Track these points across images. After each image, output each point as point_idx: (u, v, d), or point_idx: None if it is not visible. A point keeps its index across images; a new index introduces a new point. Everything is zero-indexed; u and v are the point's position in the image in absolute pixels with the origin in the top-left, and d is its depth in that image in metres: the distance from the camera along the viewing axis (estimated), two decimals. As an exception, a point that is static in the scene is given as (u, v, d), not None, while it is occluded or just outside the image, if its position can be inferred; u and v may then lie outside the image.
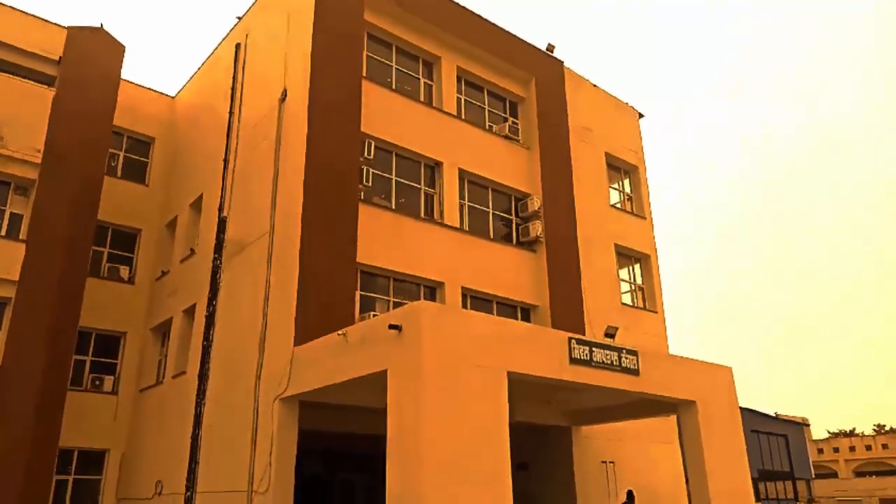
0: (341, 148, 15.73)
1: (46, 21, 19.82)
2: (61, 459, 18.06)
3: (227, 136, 18.86)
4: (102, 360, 20.33)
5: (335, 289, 14.57)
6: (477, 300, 17.86)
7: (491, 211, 19.39)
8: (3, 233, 17.90)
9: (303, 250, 14.46)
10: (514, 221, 19.81)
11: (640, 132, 24.94)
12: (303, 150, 15.30)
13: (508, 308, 18.59)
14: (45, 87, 19.19)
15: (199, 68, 23.00)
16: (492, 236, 19.02)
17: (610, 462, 18.76)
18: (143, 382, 20.16)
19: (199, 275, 18.29)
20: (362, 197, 16.00)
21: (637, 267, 23.00)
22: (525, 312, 18.99)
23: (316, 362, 13.19)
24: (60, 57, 19.59)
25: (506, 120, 20.73)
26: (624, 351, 14.45)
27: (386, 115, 17.23)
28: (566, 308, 19.00)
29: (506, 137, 20.18)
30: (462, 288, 17.39)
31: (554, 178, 20.35)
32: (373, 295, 16.02)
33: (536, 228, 19.28)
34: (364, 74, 17.16)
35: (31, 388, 16.64)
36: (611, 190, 23.08)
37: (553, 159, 20.61)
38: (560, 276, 19.28)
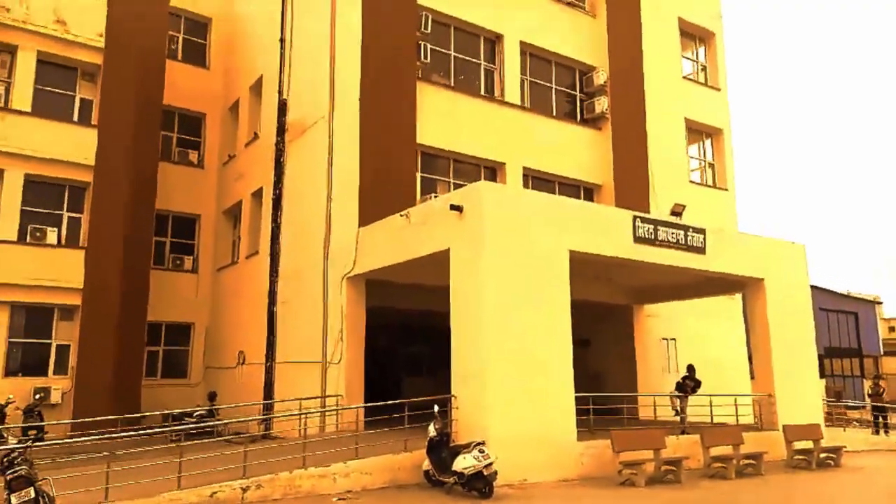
0: (397, 22, 15.17)
1: None
2: (152, 332, 19.61)
3: (282, 14, 18.40)
4: (181, 241, 21.41)
5: (396, 170, 14.59)
6: (538, 180, 17.60)
7: (554, 86, 18.62)
8: (76, 118, 18.48)
9: (362, 131, 14.41)
10: (577, 97, 19.02)
11: (718, -6, 22.96)
12: (359, 25, 14.86)
13: (571, 188, 18.28)
14: (100, -32, 18.97)
15: (249, -58, 22.13)
16: (554, 113, 18.39)
17: (671, 339, 18.95)
18: (219, 262, 21.23)
19: (263, 158, 18.58)
20: (420, 75, 15.57)
21: (708, 142, 21.99)
22: (588, 192, 18.66)
23: (380, 242, 13.50)
24: (112, -64, 19.18)
25: (571, -15, 19.36)
26: (690, 229, 14.15)
27: (443, -15, 16.35)
28: (631, 187, 18.54)
29: (569, 4, 18.95)
30: (523, 168, 17.12)
31: (621, 48, 19.19)
32: (433, 176, 15.98)
33: (602, 104, 18.48)
34: (419, -59, 16.16)
35: (115, 266, 17.78)
36: (683, 60, 21.67)
37: (621, 28, 19.34)
38: (625, 154, 18.66)
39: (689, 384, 14.78)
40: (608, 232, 12.95)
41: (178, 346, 20.79)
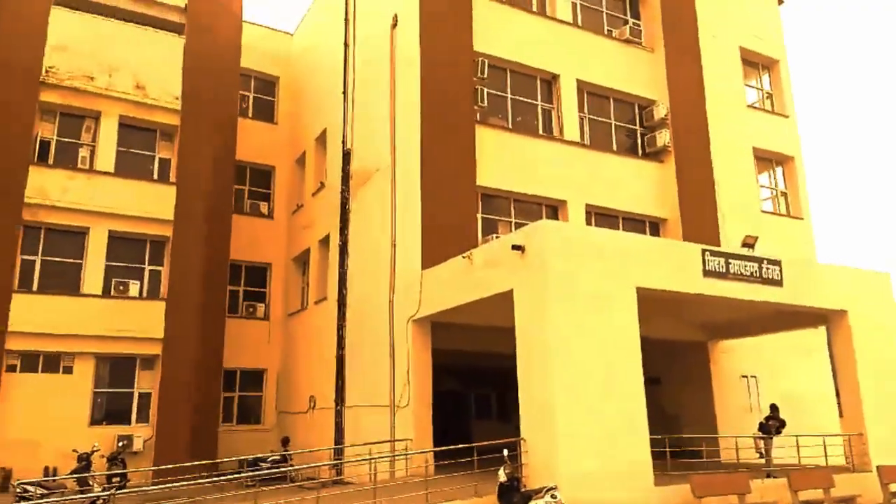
0: (454, 70, 15.53)
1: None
2: (227, 379, 20.20)
3: (344, 68, 19.17)
4: (253, 289, 22.16)
5: (457, 212, 14.75)
6: (602, 216, 17.40)
7: (613, 122, 18.52)
8: (156, 177, 19.60)
9: (423, 176, 14.67)
10: (638, 132, 18.85)
11: (780, 20, 22.50)
12: (417, 75, 15.28)
13: (635, 223, 17.97)
14: (175, 34, 20.32)
15: (312, 3, 23.31)
16: (615, 149, 18.25)
17: (752, 376, 18.11)
18: (290, 308, 21.80)
19: (329, 206, 19.16)
20: (478, 118, 15.83)
21: (779, 171, 21.29)
22: (654, 227, 18.30)
23: (443, 284, 13.59)
24: (186, 4, 20.55)
25: (626, 22, 19.40)
26: (765, 261, 13.65)
27: (498, 31, 16.69)
28: (699, 219, 18.07)
29: (626, 41, 18.95)
30: (586, 205, 16.98)
31: (682, 80, 18.98)
32: (494, 217, 16.06)
33: (663, 137, 18.24)
34: (473, -10, 16.62)
35: (193, 316, 18.54)
36: (747, 88, 21.23)
37: (680, 60, 19.17)
38: (691, 186, 18.27)
39: (772, 424, 14.03)
40: (676, 267, 12.63)
41: (252, 392, 21.31)
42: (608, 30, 19.08)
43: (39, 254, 17.83)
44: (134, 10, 20.18)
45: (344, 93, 18.91)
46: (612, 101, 18.56)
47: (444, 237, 14.26)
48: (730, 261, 13.18)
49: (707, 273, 12.82)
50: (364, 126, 17.83)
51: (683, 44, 19.43)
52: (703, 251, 13.01)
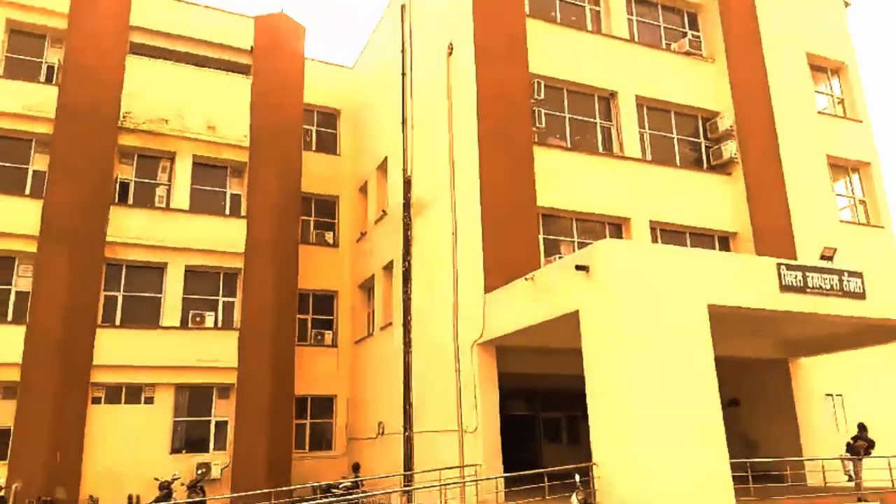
0: (511, 93, 15.61)
1: (235, 14, 21.81)
2: (299, 406, 20.62)
3: (402, 97, 19.57)
4: (321, 317, 22.62)
5: (518, 235, 14.71)
6: (668, 233, 17.01)
7: (675, 136, 18.17)
8: (227, 212, 20.40)
9: (483, 200, 14.73)
10: (702, 144, 18.41)
11: (846, 23, 21.66)
12: (474, 100, 15.43)
13: (704, 238, 17.46)
14: (242, 76, 21.25)
15: (370, 36, 23.97)
16: (678, 163, 17.87)
17: (837, 395, 17.17)
18: (356, 335, 22.14)
19: (392, 233, 19.45)
20: (536, 139, 15.82)
21: (855, 178, 20.33)
22: (723, 241, 17.74)
23: (507, 307, 13.53)
24: (251, 46, 21.49)
25: (685, 34, 19.09)
26: (845, 273, 13.00)
27: (553, 52, 16.72)
28: (772, 232, 17.42)
29: (686, 54, 18.63)
30: (650, 221, 16.64)
31: (746, 90, 18.47)
32: (556, 237, 15.93)
33: (730, 149, 17.75)
34: (527, 13, 16.75)
35: (266, 345, 19.07)
36: (816, 94, 20.46)
37: (743, 70, 18.68)
38: (761, 198, 17.65)
39: (861, 444, 13.26)
40: (750, 282, 12.18)
41: (322, 419, 21.65)
42: (666, 43, 18.82)
43: (121, 289, 18.78)
44: (203, 55, 21.23)
45: (403, 122, 19.29)
46: (673, 114, 18.22)
47: (506, 260, 14.22)
48: (808, 274, 12.62)
49: (784, 288, 12.32)
50: (423, 153, 18.10)
51: (746, 52, 18.94)
52: (779, 265, 12.51)
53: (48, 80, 19.19)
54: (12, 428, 16.46)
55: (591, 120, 17.24)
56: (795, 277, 12.50)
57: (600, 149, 17.06)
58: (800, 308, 12.42)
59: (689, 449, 10.62)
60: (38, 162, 18.63)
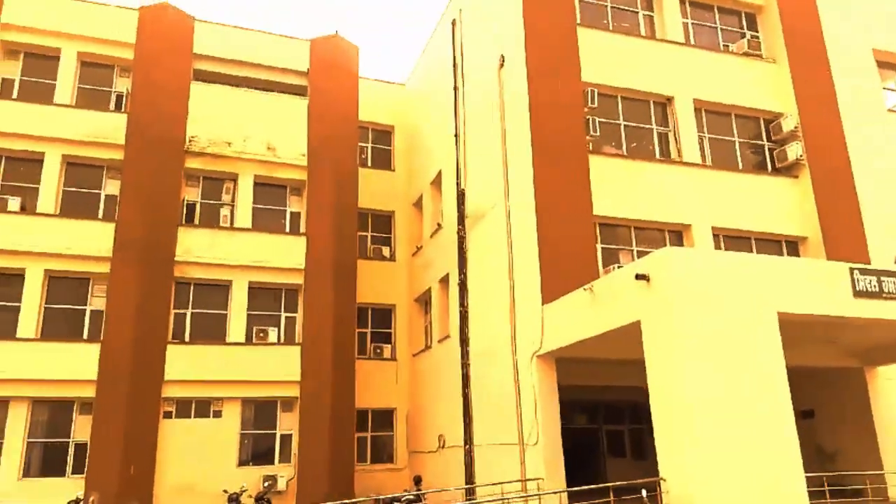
0: (564, 103, 15.52)
1: (292, 38, 22.43)
2: (360, 419, 20.85)
3: (455, 111, 19.71)
4: (380, 330, 22.88)
5: (575, 244, 14.55)
6: (731, 239, 16.51)
7: (736, 139, 17.67)
8: (288, 230, 20.91)
9: (538, 210, 14.65)
10: (765, 147, 17.84)
11: (918, 14, 20.66)
12: (526, 112, 15.40)
13: (770, 244, 16.88)
14: (299, 97, 21.83)
15: (421, 53, 24.28)
16: (740, 167, 17.36)
17: (919, 405, 16.23)
18: (414, 347, 22.27)
19: (447, 246, 19.54)
20: (591, 147, 15.65)
21: (933, 176, 19.28)
22: (792, 246, 17.10)
23: (565, 319, 13.37)
24: (307, 69, 22.06)
25: (743, 35, 18.60)
26: (923, 277, 12.32)
27: (606, 60, 16.55)
28: (843, 236, 16.70)
29: (745, 55, 18.14)
30: (712, 228, 16.19)
31: (810, 89, 17.84)
32: (614, 246, 15.68)
33: (795, 150, 17.14)
34: (578, 21, 16.65)
35: (327, 359, 19.38)
36: (885, 91, 19.57)
37: (807, 69, 18.06)
38: (831, 201, 16.96)
39: (950, 459, 12.47)
40: (822, 288, 11.68)
41: (383, 432, 21.82)
42: (724, 45, 18.38)
43: (189, 307, 19.44)
44: (261, 78, 21.92)
45: (456, 135, 19.41)
46: (733, 117, 17.75)
47: (563, 270, 14.08)
48: (882, 278, 12.03)
49: (858, 293, 11.77)
50: (477, 165, 18.15)
51: (809, 51, 18.32)
52: (852, 269, 11.97)
53: (117, 108, 20.16)
54: (89, 442, 17.20)
55: (647, 126, 16.95)
56: (870, 282, 11.93)
57: (657, 155, 16.75)
58: (875, 314, 11.84)
59: (762, 462, 10.22)
60: (110, 186, 19.55)
